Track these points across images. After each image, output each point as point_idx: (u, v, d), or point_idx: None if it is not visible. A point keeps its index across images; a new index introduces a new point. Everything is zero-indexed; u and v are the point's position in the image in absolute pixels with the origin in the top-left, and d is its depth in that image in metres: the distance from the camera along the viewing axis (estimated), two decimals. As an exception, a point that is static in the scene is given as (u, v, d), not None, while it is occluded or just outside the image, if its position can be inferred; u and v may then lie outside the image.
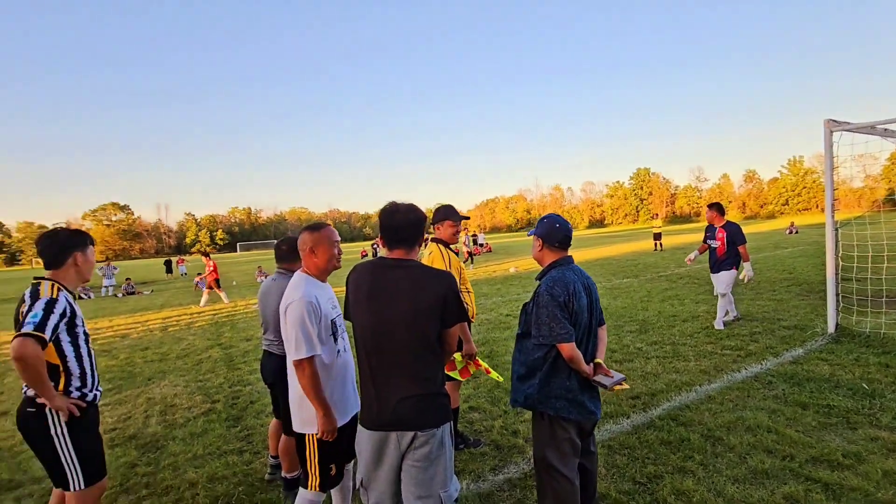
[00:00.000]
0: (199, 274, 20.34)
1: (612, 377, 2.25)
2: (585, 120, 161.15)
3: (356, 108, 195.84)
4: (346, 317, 2.11)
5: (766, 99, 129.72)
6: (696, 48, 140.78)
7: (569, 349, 2.15)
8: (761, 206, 76.78)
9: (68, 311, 2.20)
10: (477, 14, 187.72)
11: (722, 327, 6.36)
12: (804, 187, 73.60)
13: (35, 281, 2.26)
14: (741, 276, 6.44)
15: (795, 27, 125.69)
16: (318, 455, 2.25)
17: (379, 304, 1.91)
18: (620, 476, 2.98)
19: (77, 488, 2.22)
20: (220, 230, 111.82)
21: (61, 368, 2.20)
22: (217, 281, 14.40)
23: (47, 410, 2.16)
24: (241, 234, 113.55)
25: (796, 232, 25.68)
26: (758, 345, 5.53)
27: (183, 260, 34.37)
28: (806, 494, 2.64)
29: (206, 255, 15.47)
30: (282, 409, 2.98)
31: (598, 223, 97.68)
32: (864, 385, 4.10)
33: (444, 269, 3.14)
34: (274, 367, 2.94)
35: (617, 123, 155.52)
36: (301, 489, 2.33)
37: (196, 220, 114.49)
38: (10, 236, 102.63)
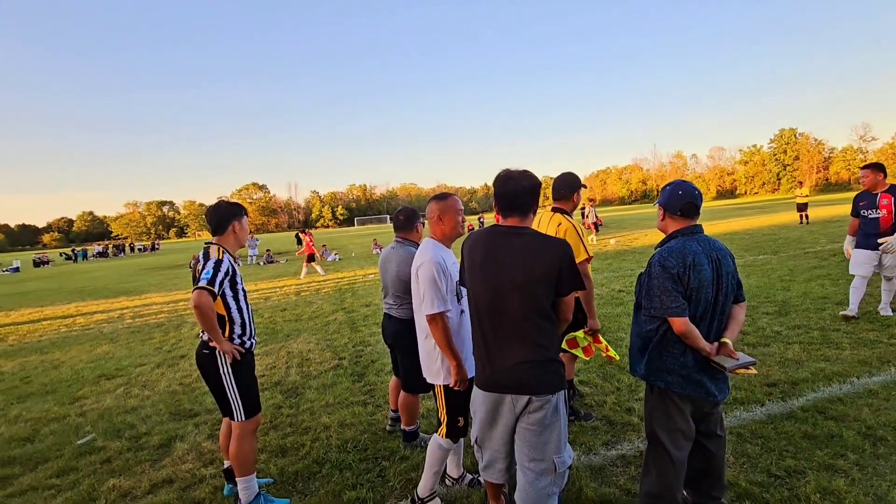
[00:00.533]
0: (324, 245, 22.48)
1: (737, 359, 2.02)
2: (713, 78, 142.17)
3: (459, 87, 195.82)
4: (462, 283, 2.19)
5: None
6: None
7: (680, 324, 2.02)
8: (955, 169, 61.68)
9: (230, 270, 2.60)
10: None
11: (890, 313, 5.30)
12: None
13: (206, 245, 2.70)
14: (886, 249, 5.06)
15: None
16: (446, 405, 2.46)
17: (493, 271, 1.95)
18: (752, 466, 2.74)
19: (240, 419, 2.66)
20: (340, 206, 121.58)
21: (227, 318, 2.63)
22: (311, 256, 14.74)
23: (217, 353, 2.60)
24: (358, 209, 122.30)
25: None
26: (941, 335, 4.58)
27: (311, 234, 37.98)
28: None
29: (304, 231, 16.95)
30: (401, 368, 3.22)
31: (728, 193, 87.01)
32: None
33: (579, 242, 3.04)
34: (394, 329, 3.17)
35: (751, 78, 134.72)
36: (434, 436, 2.55)
37: (320, 196, 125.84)
38: (178, 213, 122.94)
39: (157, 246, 47.55)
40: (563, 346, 3.07)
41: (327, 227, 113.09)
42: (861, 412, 3.23)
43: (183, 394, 4.78)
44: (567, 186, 3.21)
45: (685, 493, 2.35)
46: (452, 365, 2.33)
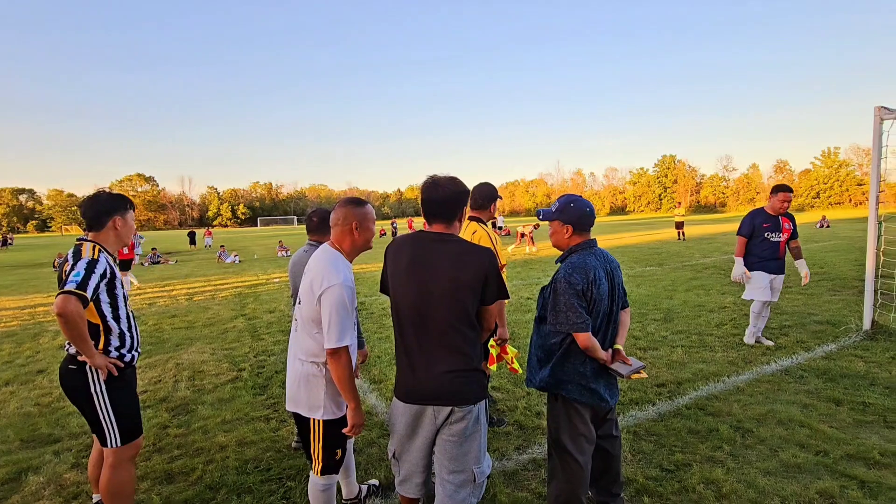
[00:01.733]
0: (222, 246, 20.76)
1: (631, 365, 2.18)
2: (611, 105, 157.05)
3: (376, 87, 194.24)
4: (384, 289, 2.10)
5: (800, 88, 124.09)
6: (725, 31, 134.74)
7: (584, 338, 2.10)
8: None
9: (108, 272, 2.23)
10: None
11: (753, 342, 5.24)
12: (837, 180, 70.99)
13: (77, 242, 2.29)
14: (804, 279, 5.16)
15: (828, 13, 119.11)
16: (323, 441, 2.14)
17: (419, 277, 1.89)
18: (647, 462, 2.95)
19: (114, 445, 2.29)
20: (242, 204, 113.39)
21: (101, 328, 2.25)
22: (126, 262, 12.02)
23: (87, 368, 2.21)
24: (263, 208, 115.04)
25: (828, 226, 24.85)
26: (788, 339, 5.39)
27: (211, 232, 34.94)
28: (841, 491, 2.58)
29: (208, 231, 15.33)
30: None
31: (619, 210, 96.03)
32: (903, 384, 3.96)
33: (494, 250, 3.06)
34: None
35: (643, 110, 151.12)
36: (311, 476, 2.24)
37: (218, 193, 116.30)
38: (40, 203, 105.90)
39: (9, 240, 40.40)
40: None
41: (226, 226, 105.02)
42: (732, 407, 3.65)
43: (40, 416, 4.04)
44: (484, 196, 3.26)
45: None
46: (351, 407, 2.03)
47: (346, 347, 1.98)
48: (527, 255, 16.40)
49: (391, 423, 2.04)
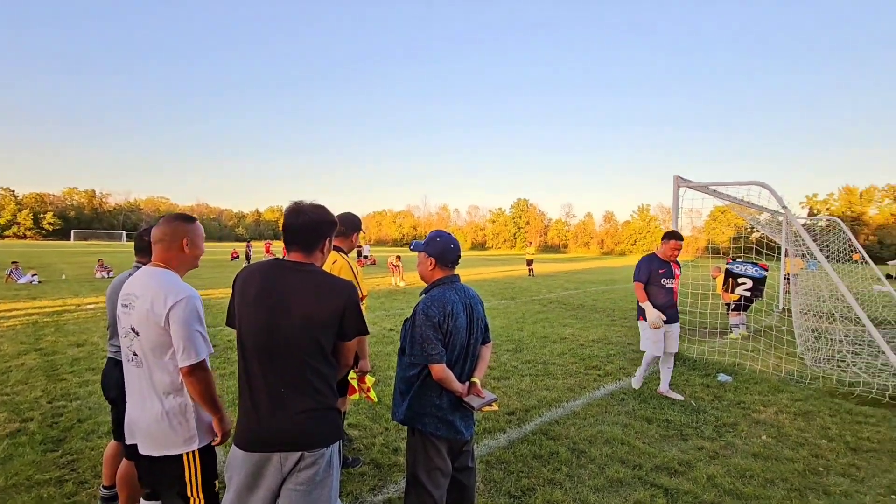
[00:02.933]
0: (15, 262, 16.72)
1: (483, 398, 2.24)
2: (474, 147, 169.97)
3: (236, 98, 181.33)
4: (230, 322, 1.87)
5: (620, 153, 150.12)
6: (574, 96, 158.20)
7: (438, 370, 2.14)
8: (615, 244, 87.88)
9: None
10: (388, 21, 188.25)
11: (669, 392, 5.00)
12: (648, 231, 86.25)
13: None
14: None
15: (650, 94, 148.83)
16: (201, 473, 1.95)
17: (271, 309, 1.72)
18: (497, 490, 3.06)
19: None
20: (51, 213, 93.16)
21: None
22: None
23: None
24: (80, 219, 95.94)
25: (641, 269, 29.88)
26: (613, 365, 6.22)
27: None
28: (651, 500, 2.98)
29: None
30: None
31: (480, 246, 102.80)
32: (692, 402, 4.82)
33: (354, 280, 3.00)
34: (121, 379, 2.47)
35: (502, 155, 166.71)
36: None
37: (15, 196, 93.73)
38: None
39: None
40: None
41: (24, 237, 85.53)
42: (570, 430, 4.03)
43: None
44: (347, 225, 3.20)
45: None
46: (216, 419, 1.95)
47: (204, 361, 1.86)
48: (392, 286, 16.44)
49: (228, 474, 1.78)
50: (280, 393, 1.71)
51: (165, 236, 1.98)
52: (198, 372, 1.85)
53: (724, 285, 8.35)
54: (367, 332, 1.92)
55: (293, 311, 1.72)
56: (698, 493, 3.07)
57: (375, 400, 3.18)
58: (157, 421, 1.89)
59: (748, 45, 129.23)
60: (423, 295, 2.30)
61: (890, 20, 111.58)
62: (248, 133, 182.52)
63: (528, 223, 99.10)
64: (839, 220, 12.03)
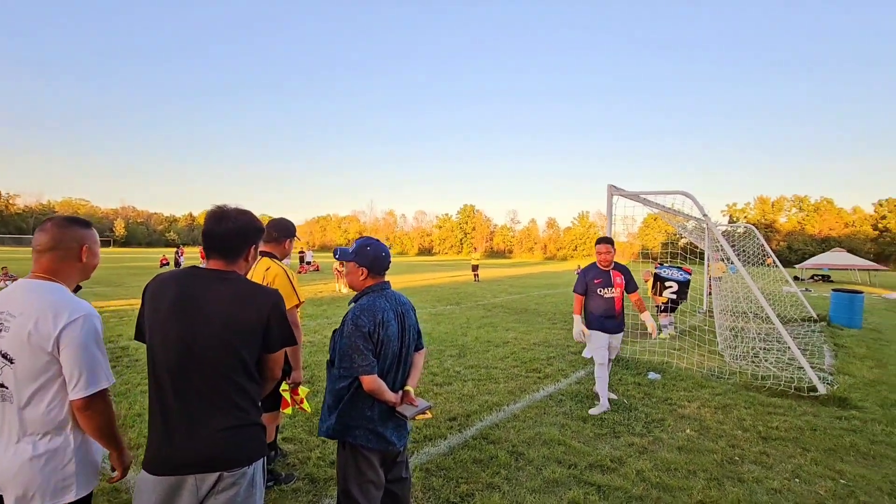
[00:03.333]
0: None
1: (417, 405, 2.20)
2: (422, 152, 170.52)
3: (166, 92, 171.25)
4: (139, 336, 1.73)
5: (561, 161, 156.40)
6: (518, 103, 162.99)
7: (369, 382, 2.08)
8: (558, 249, 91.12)
9: None
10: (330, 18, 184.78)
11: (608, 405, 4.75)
12: (588, 237, 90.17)
13: None
14: (650, 332, 5.03)
15: (577, 108, 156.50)
16: None
17: (186, 321, 1.61)
18: (436, 498, 3.05)
19: None
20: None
21: None
22: None
23: None
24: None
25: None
26: (553, 367, 6.40)
27: None
28: (585, 497, 3.08)
29: None
30: None
31: (426, 251, 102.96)
32: (625, 400, 5.05)
33: (290, 287, 2.89)
34: None
35: (449, 160, 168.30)
36: None
37: None
38: None
39: None
40: None
41: None
42: (510, 434, 4.09)
43: None
44: (279, 230, 3.09)
45: None
46: (116, 453, 1.73)
47: (104, 391, 1.62)
48: (335, 292, 16.06)
49: (136, 502, 1.64)
50: (196, 411, 1.60)
51: (57, 243, 1.65)
52: (97, 404, 1.59)
53: (652, 289, 8.87)
54: (295, 343, 1.84)
55: (211, 322, 1.62)
56: (628, 487, 3.21)
57: (310, 411, 3.09)
58: (21, 468, 1.55)
59: (682, 59, 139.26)
60: (353, 304, 2.25)
61: (803, 37, 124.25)
62: (181, 133, 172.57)
63: (474, 229, 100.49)
64: (754, 228, 13.17)
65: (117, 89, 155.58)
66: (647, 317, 4.99)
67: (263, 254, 3.07)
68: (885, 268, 32.14)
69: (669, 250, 10.60)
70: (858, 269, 28.34)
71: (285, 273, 2.94)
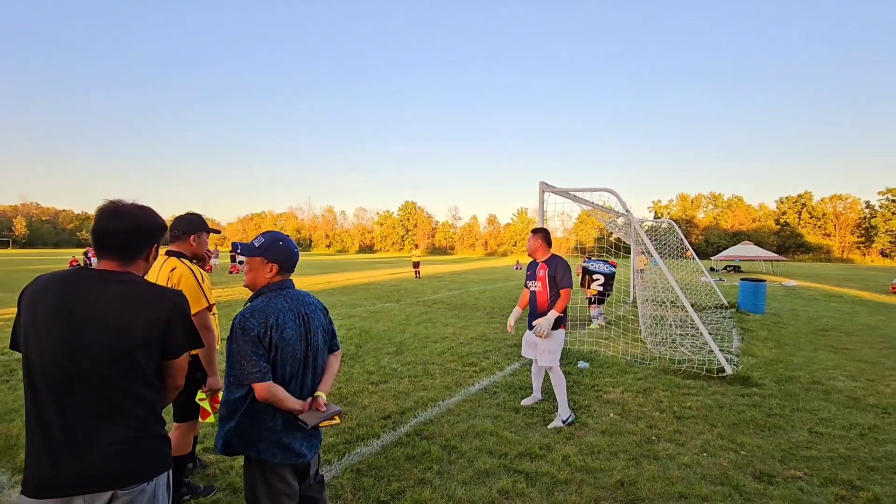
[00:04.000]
0: None
1: (323, 411, 2.01)
2: (362, 147, 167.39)
3: (82, 82, 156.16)
4: (14, 345, 1.55)
5: (497, 158, 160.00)
6: (457, 101, 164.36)
7: (261, 389, 1.89)
8: (498, 245, 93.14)
9: None
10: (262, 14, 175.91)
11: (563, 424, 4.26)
12: (526, 233, 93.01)
13: None
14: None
15: (523, 102, 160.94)
16: None
17: (69, 328, 1.46)
18: (366, 498, 3.00)
19: None
20: None
21: None
22: None
23: None
24: None
25: (521, 268, 31.99)
26: (489, 361, 6.53)
27: None
28: (514, 485, 3.16)
29: None
30: None
31: (367, 248, 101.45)
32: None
33: (197, 289, 2.69)
34: None
35: (389, 157, 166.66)
36: None
37: None
38: None
39: None
40: None
41: None
42: (443, 428, 4.12)
43: None
44: (183, 226, 2.87)
45: None
46: None
47: None
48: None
49: None
50: (81, 426, 1.46)
51: None
52: None
53: (581, 282, 9.29)
54: (201, 346, 1.73)
55: (100, 328, 1.47)
56: (555, 473, 3.34)
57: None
58: None
59: (626, 64, 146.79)
60: (247, 304, 2.05)
61: (712, 49, 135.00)
62: (94, 124, 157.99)
63: (415, 225, 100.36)
64: (674, 223, 14.17)
65: (13, 72, 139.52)
66: (541, 319, 4.31)
67: (171, 253, 2.84)
68: (784, 258, 35.83)
69: (603, 244, 11.15)
70: (763, 260, 31.35)
71: (192, 273, 2.74)
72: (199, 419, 2.83)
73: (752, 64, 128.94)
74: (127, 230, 1.60)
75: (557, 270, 4.38)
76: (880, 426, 4.31)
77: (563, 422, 4.26)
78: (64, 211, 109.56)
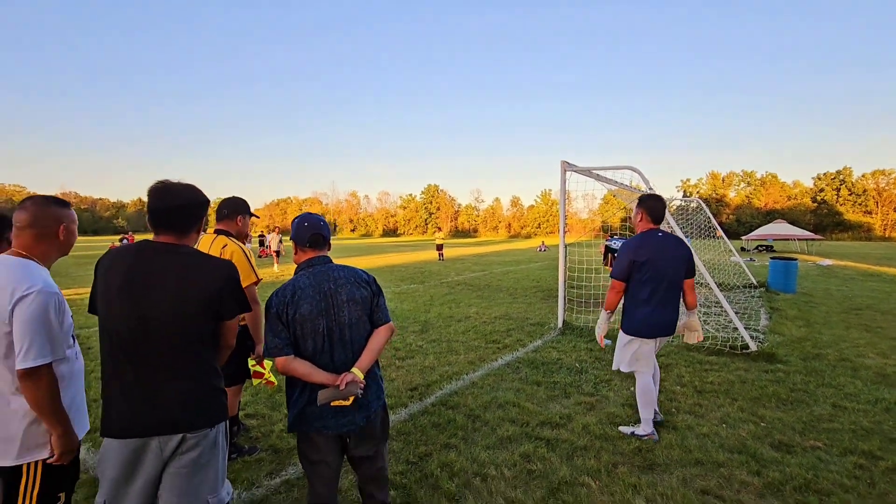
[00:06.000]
0: None
1: (342, 389, 1.94)
2: (387, 134, 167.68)
3: (119, 76, 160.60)
4: (92, 309, 1.77)
5: (521, 143, 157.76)
6: (478, 84, 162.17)
7: (281, 363, 1.98)
8: (522, 228, 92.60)
9: None
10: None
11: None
12: (552, 215, 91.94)
13: None
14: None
15: (550, 84, 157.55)
16: (39, 487, 1.78)
17: (139, 294, 1.67)
18: (396, 460, 3.22)
19: None
20: None
21: None
22: None
23: None
24: None
25: (545, 250, 31.81)
26: (511, 339, 6.68)
27: None
28: (535, 450, 3.33)
29: None
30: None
31: (391, 232, 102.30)
32: (577, 364, 5.37)
33: (247, 265, 2.93)
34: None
35: (412, 142, 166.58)
36: None
37: None
38: None
39: None
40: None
41: None
42: (468, 399, 4.31)
43: None
44: (230, 207, 3.12)
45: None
46: (58, 433, 1.74)
47: (47, 366, 1.68)
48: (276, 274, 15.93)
49: (100, 469, 1.71)
50: (153, 379, 1.68)
51: (34, 221, 1.80)
52: (35, 377, 1.65)
53: (604, 260, 9.29)
54: (249, 310, 1.92)
55: (164, 296, 1.68)
56: (574, 440, 3.49)
57: (275, 383, 3.14)
58: (4, 423, 1.73)
59: (640, 49, 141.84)
60: None
61: (750, 26, 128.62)
62: (130, 117, 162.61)
63: (438, 209, 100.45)
64: (703, 203, 13.87)
65: (51, 65, 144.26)
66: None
67: (219, 231, 3.08)
68: (821, 237, 34.49)
69: (628, 225, 11.04)
70: (798, 239, 30.29)
71: (242, 251, 2.97)
72: (253, 381, 3.07)
73: (786, 35, 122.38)
74: (179, 207, 1.79)
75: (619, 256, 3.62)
76: (907, 401, 4.29)
77: (636, 434, 3.55)
78: (101, 199, 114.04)
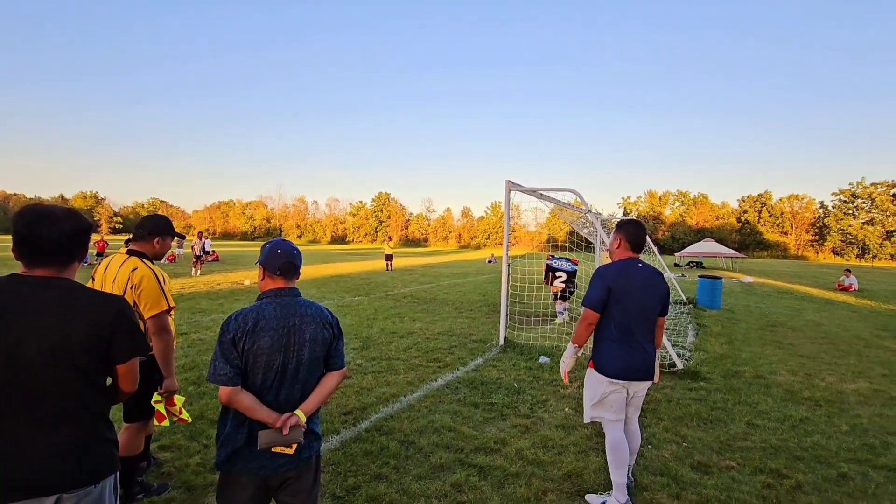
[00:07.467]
0: None
1: (284, 435, 1.82)
2: (337, 141, 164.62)
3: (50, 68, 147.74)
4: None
5: (471, 157, 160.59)
6: (431, 91, 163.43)
7: (223, 393, 1.84)
8: (472, 238, 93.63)
9: None
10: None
11: None
12: (501, 226, 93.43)
13: None
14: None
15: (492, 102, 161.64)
16: None
17: (5, 331, 1.46)
18: (321, 494, 3.06)
19: None
20: None
21: None
22: None
23: None
24: None
25: (494, 262, 32.29)
26: (453, 356, 6.65)
27: None
28: (467, 479, 3.28)
29: None
30: None
31: (340, 240, 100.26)
32: (515, 384, 5.42)
33: (158, 291, 2.70)
34: None
35: (364, 147, 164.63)
36: None
37: None
38: None
39: None
40: None
41: None
42: (403, 424, 4.21)
43: None
44: (148, 227, 2.86)
45: None
46: None
47: None
48: (235, 285, 15.11)
49: None
50: (22, 431, 1.47)
51: None
52: None
53: (545, 278, 9.52)
54: (145, 352, 1.75)
55: (40, 335, 1.48)
56: (507, 466, 3.48)
57: (189, 420, 2.92)
58: None
59: (600, 62, 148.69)
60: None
61: (704, 42, 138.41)
62: (58, 109, 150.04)
63: (389, 217, 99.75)
64: (639, 221, 14.59)
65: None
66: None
67: (132, 252, 2.82)
68: (743, 255, 37.44)
69: (574, 239, 11.36)
70: (724, 257, 32.68)
71: (154, 275, 2.73)
72: (155, 422, 2.81)
73: (721, 65, 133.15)
74: (61, 236, 1.58)
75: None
76: (811, 418, 4.65)
77: None
78: (15, 195, 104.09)
